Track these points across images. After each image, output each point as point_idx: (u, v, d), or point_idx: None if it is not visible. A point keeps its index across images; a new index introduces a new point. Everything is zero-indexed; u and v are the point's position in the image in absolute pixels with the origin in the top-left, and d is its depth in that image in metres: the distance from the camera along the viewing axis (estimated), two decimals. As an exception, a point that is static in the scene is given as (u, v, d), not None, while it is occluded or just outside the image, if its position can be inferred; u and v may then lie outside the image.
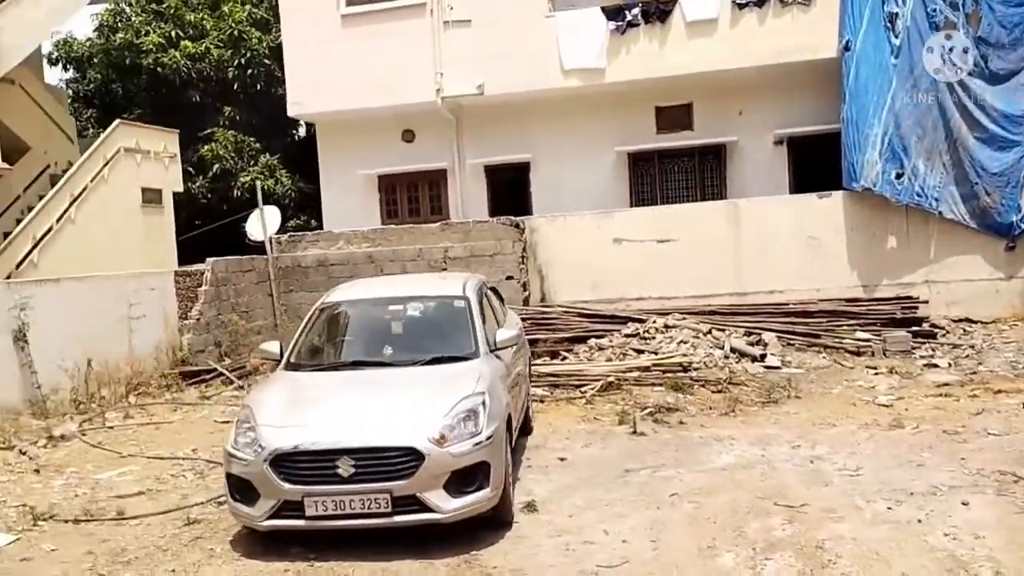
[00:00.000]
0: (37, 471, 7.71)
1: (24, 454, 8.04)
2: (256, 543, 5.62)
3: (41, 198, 13.68)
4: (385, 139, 16.34)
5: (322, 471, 5.22)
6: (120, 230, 13.46)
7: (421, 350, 6.37)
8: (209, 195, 17.99)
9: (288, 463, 5.27)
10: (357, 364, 6.25)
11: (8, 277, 11.26)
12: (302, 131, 20.52)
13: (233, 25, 18.52)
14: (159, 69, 18.10)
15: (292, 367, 6.43)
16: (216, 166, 17.98)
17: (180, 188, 15.51)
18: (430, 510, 5.22)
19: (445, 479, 5.23)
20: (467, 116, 15.98)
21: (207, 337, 12.77)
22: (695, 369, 10.80)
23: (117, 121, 13.78)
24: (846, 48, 13.30)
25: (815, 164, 14.64)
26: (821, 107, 14.37)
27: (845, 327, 12.54)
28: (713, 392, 9.90)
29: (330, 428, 5.36)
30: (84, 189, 12.76)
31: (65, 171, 14.22)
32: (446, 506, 5.23)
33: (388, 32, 15.34)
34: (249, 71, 18.53)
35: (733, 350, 11.47)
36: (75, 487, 7.30)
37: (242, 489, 5.44)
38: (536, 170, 15.98)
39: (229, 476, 5.54)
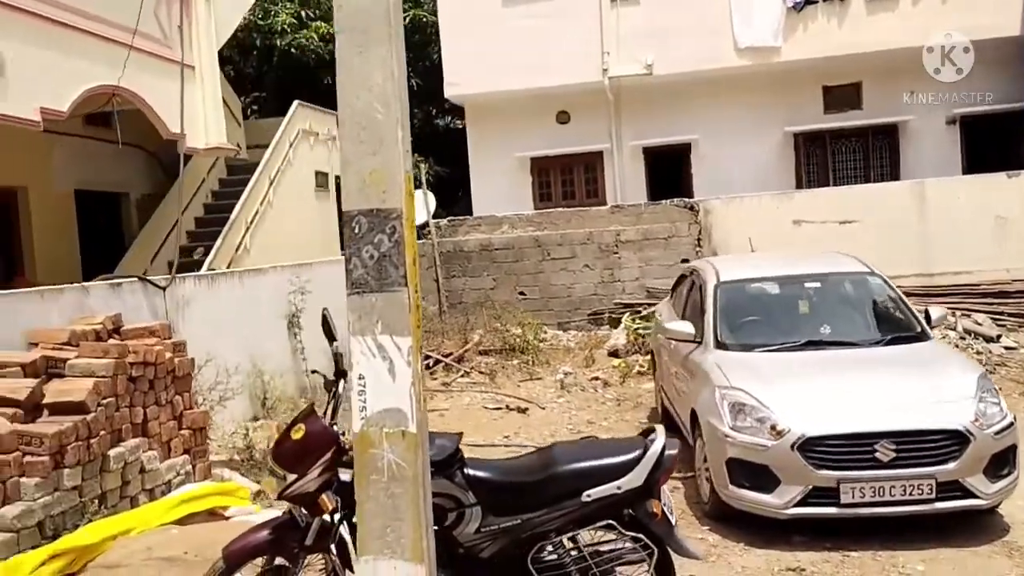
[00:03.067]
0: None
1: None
2: (745, 531, 5.37)
3: (221, 181, 13.31)
4: (538, 121, 15.98)
5: (858, 456, 4.98)
6: (300, 213, 13.10)
7: (866, 329, 6.15)
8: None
9: (818, 448, 5.01)
10: (810, 344, 5.98)
11: (230, 264, 10.87)
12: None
13: (366, 5, 17.97)
14: (292, 50, 17.61)
15: (728, 347, 6.12)
16: (352, 150, 17.48)
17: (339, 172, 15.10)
18: (972, 495, 5.00)
19: (985, 463, 5.02)
20: (627, 96, 15.64)
21: (400, 323, 12.44)
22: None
23: (296, 103, 13.33)
24: (1038, 25, 13.15)
25: (989, 144, 14.51)
26: (998, 86, 14.23)
27: (1046, 307, 12.52)
28: (979, 374, 9.77)
29: (861, 411, 5.11)
30: (277, 172, 12.38)
31: (237, 154, 13.80)
32: (987, 491, 5.02)
33: (550, 11, 14.97)
34: (381, 52, 18.00)
35: (967, 331, 11.34)
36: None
37: (753, 476, 5.19)
38: (697, 151, 15.71)
39: (731, 461, 5.27)
